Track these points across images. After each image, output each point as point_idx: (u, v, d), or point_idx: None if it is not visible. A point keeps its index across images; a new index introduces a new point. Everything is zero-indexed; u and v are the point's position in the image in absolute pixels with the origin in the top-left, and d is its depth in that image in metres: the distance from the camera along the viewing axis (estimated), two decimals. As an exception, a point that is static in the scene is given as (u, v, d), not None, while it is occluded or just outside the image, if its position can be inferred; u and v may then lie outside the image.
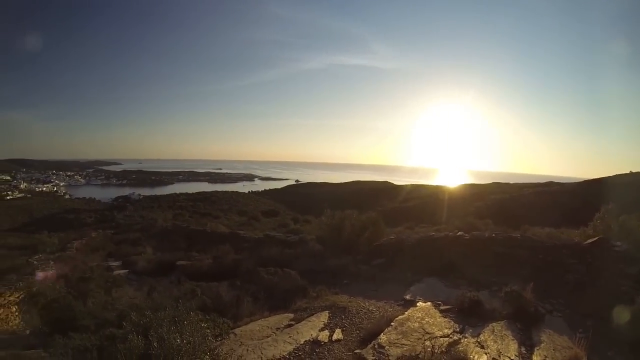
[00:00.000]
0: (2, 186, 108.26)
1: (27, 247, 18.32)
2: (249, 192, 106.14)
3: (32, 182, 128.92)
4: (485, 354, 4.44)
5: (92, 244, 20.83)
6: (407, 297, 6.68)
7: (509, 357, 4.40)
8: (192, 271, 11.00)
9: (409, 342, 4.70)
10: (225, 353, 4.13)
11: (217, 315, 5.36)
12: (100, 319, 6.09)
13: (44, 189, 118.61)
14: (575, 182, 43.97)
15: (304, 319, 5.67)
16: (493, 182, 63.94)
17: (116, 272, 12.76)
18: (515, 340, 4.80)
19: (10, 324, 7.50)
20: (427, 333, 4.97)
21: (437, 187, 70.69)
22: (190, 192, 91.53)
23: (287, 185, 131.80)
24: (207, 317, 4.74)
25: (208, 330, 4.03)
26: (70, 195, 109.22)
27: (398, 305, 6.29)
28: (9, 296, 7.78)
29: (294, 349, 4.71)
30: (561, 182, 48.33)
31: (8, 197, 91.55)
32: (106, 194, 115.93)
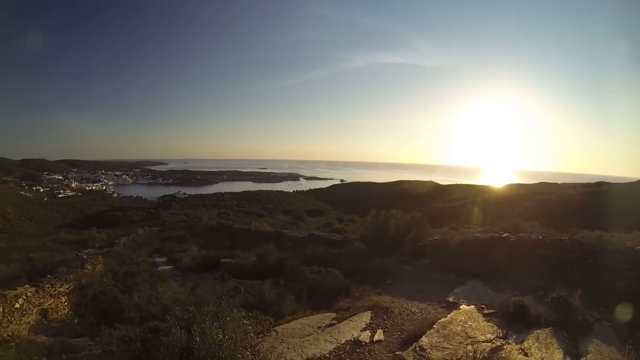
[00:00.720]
0: (55, 185, 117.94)
1: (78, 242, 19.66)
2: (293, 191, 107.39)
3: (83, 181, 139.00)
4: (529, 362, 4.21)
5: (138, 241, 21.95)
6: (450, 299, 6.52)
7: (554, 367, 4.16)
8: (236, 269, 11.21)
9: (450, 346, 4.59)
10: (265, 350, 4.14)
11: (260, 313, 5.37)
12: (145, 312, 6.30)
13: (94, 187, 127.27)
14: (628, 183, 40.81)
15: (345, 319, 5.62)
16: (540, 182, 61.42)
17: (161, 267, 13.29)
18: (560, 349, 4.57)
19: (60, 313, 7.94)
20: (470, 337, 4.83)
21: (482, 187, 69.37)
22: (235, 191, 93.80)
23: (332, 185, 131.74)
24: (249, 314, 4.77)
25: (250, 327, 4.02)
26: (118, 194, 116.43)
27: (441, 307, 6.16)
28: (60, 287, 8.24)
29: (334, 348, 4.67)
30: (613, 182, 44.48)
31: (60, 195, 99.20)
32: (152, 192, 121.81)
